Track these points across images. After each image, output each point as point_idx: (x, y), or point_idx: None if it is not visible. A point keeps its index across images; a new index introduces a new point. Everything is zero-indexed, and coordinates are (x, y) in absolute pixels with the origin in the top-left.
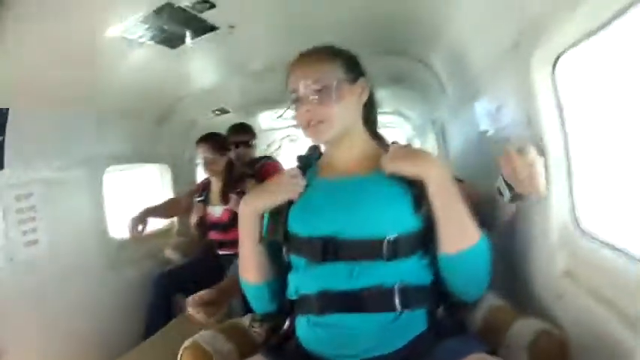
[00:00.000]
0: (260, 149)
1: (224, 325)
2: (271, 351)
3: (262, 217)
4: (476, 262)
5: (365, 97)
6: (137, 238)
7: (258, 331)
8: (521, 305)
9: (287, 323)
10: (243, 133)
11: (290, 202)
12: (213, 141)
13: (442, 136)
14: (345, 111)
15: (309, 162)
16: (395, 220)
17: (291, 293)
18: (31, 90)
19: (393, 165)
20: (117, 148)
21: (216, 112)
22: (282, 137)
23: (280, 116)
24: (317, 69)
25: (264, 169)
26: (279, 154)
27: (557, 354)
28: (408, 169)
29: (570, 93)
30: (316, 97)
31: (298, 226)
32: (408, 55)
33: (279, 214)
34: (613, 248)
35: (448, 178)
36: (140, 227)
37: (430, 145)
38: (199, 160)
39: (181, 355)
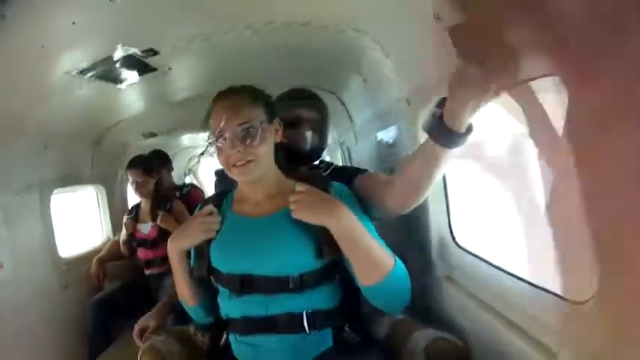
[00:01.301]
0: (182, 164)
1: (174, 331)
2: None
3: (189, 252)
4: (395, 285)
5: (279, 137)
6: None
7: (201, 339)
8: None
9: (224, 336)
10: (162, 158)
11: (210, 239)
12: (141, 165)
13: (348, 156)
14: (268, 150)
15: (225, 195)
16: (298, 262)
17: (222, 315)
18: None
19: (298, 214)
20: (60, 171)
21: (146, 135)
22: (199, 153)
23: (201, 154)
24: (243, 110)
25: (193, 194)
26: (198, 167)
27: (450, 355)
28: (311, 219)
29: None
30: (244, 137)
31: (218, 263)
32: (323, 88)
33: (201, 252)
34: (480, 258)
35: (350, 223)
36: (100, 278)
37: (338, 161)
38: (130, 183)
39: (141, 356)
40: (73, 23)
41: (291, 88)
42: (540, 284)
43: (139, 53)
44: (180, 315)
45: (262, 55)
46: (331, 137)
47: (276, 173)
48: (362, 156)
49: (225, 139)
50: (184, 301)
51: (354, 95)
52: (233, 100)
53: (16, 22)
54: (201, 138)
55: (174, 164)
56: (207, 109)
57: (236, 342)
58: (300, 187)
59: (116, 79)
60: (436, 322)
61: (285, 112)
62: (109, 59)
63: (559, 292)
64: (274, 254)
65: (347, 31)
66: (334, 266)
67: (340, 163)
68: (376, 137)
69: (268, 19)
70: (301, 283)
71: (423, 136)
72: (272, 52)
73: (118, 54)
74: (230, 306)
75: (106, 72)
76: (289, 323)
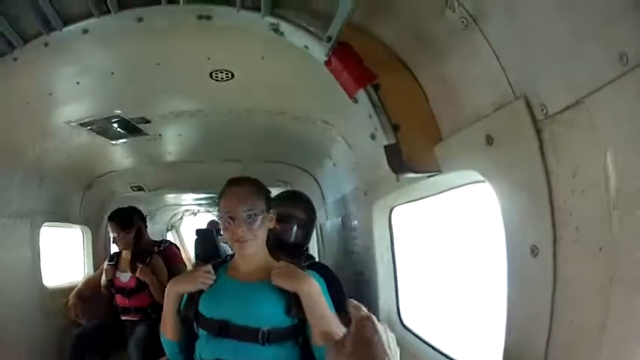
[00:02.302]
0: (165, 219)
1: None
2: None
3: (182, 296)
4: None
5: (272, 225)
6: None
7: None
8: None
9: None
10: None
11: (202, 290)
12: (120, 219)
13: (320, 232)
14: (264, 233)
15: (223, 263)
16: (268, 317)
17: (196, 357)
18: None
19: (278, 281)
20: (52, 207)
21: (134, 187)
22: (184, 211)
23: (182, 215)
24: (251, 199)
25: (170, 251)
26: (181, 223)
27: None
28: (285, 284)
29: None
30: (249, 220)
31: (204, 308)
32: (300, 167)
33: (193, 298)
34: (423, 341)
35: (315, 292)
36: (77, 311)
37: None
38: (112, 235)
39: None
40: (77, 83)
41: (288, 190)
42: None
43: (133, 119)
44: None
45: (246, 134)
46: None
47: (265, 252)
48: (331, 233)
49: (232, 218)
50: (165, 336)
51: (326, 177)
52: (243, 189)
53: (28, 67)
54: (184, 198)
55: (158, 219)
56: (220, 191)
57: None
58: (282, 263)
59: (111, 136)
60: None
61: (279, 209)
62: (107, 119)
63: None
64: (250, 308)
65: (317, 122)
66: (298, 330)
67: (315, 238)
68: (339, 219)
69: (248, 107)
70: (269, 337)
71: (377, 226)
72: (255, 133)
73: (115, 117)
74: (205, 348)
75: (103, 129)
76: None
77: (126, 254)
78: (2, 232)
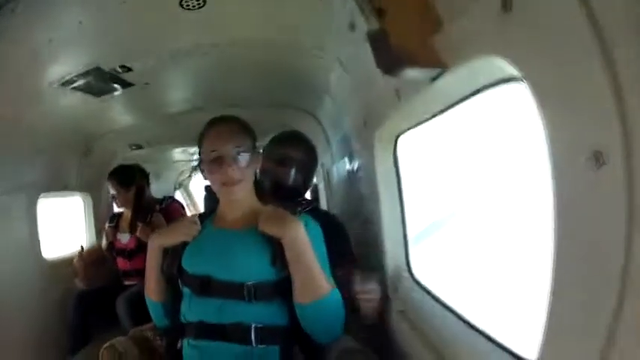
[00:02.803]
0: (173, 177)
1: (134, 334)
2: None
3: (166, 251)
4: (325, 311)
5: (259, 165)
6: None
7: (159, 342)
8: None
9: (179, 343)
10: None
11: (186, 243)
12: (120, 176)
13: (327, 178)
14: (252, 174)
15: (210, 211)
16: (253, 269)
17: (181, 318)
18: None
19: (262, 225)
20: (48, 177)
21: (133, 146)
22: (192, 167)
23: (194, 169)
24: (238, 136)
25: (172, 207)
26: (189, 181)
27: None
28: (270, 230)
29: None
30: (237, 158)
31: (187, 264)
32: (301, 108)
33: (176, 252)
34: (434, 297)
35: (298, 240)
36: (82, 275)
37: (319, 182)
38: (111, 193)
39: (101, 354)
40: (50, 41)
41: (284, 131)
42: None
43: (114, 69)
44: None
45: (239, 75)
46: None
47: (253, 197)
48: (338, 179)
49: (219, 158)
50: (149, 297)
51: (328, 116)
52: (228, 126)
53: (4, 35)
54: (193, 152)
55: (165, 177)
56: (200, 132)
57: (188, 346)
58: (270, 207)
59: (97, 92)
60: (389, 357)
61: (275, 150)
62: (86, 74)
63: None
64: (233, 261)
65: (309, 50)
66: (288, 284)
67: (322, 185)
68: (345, 160)
69: (229, 40)
70: (255, 293)
71: (380, 160)
72: (247, 72)
73: (95, 70)
74: (189, 308)
75: (86, 85)
76: (238, 334)
77: (126, 214)
78: (4, 207)
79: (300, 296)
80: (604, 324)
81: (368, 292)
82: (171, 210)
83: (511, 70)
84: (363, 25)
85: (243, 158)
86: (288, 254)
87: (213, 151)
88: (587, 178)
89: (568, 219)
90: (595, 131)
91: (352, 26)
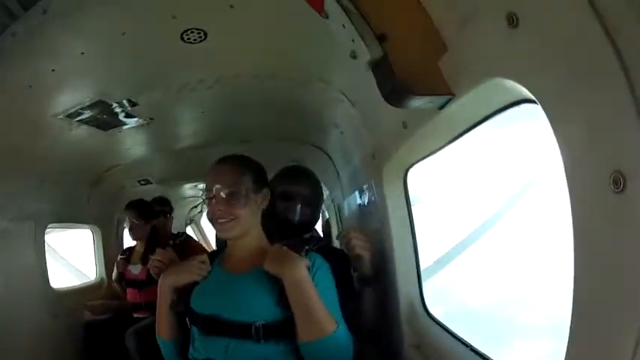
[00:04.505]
0: (183, 214)
1: None
2: None
3: (175, 289)
4: (329, 350)
5: (265, 205)
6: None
7: None
8: None
9: None
10: (163, 204)
11: (195, 282)
12: (139, 208)
13: (338, 211)
14: (249, 214)
15: (219, 252)
16: (261, 309)
17: (189, 356)
18: None
19: (266, 265)
20: (56, 208)
21: (142, 182)
22: (200, 203)
23: (195, 207)
24: (231, 178)
25: (188, 245)
26: (201, 217)
27: None
28: (271, 269)
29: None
30: (228, 200)
31: (195, 303)
32: (310, 142)
33: (185, 291)
34: (449, 332)
35: (299, 279)
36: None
37: (332, 215)
38: (126, 224)
39: None
40: (53, 71)
41: (289, 166)
42: None
43: (119, 103)
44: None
45: (245, 109)
46: (325, 194)
47: (259, 237)
48: (349, 214)
49: (213, 197)
50: (160, 337)
51: (337, 150)
52: (224, 168)
53: (3, 60)
54: (201, 188)
55: (175, 213)
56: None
57: None
58: (275, 246)
59: (102, 126)
60: None
61: (280, 186)
62: (91, 107)
63: None
64: (240, 301)
65: (314, 81)
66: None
67: (334, 221)
68: (355, 194)
69: (233, 73)
70: (263, 333)
71: (390, 195)
72: (254, 105)
73: (100, 103)
74: (196, 348)
75: (91, 118)
76: None
77: (139, 247)
78: (5, 236)
79: (302, 335)
80: (629, 350)
81: (359, 236)
82: (187, 248)
83: (522, 92)
84: (365, 54)
85: (236, 200)
86: (288, 293)
87: (208, 190)
88: (607, 200)
89: (587, 241)
90: (614, 152)
91: (354, 55)
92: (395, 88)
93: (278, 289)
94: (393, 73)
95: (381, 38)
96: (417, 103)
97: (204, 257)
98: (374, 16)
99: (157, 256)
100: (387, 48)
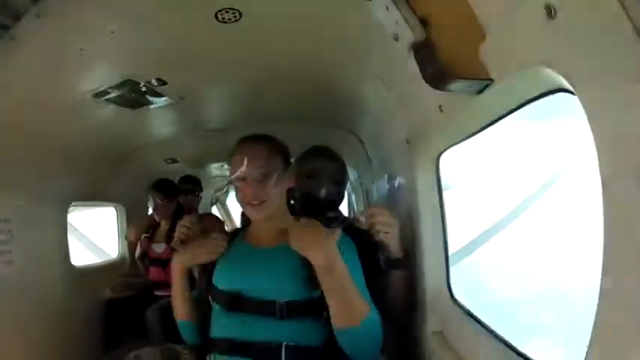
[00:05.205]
0: (209, 194)
1: (163, 348)
2: None
3: (189, 269)
4: (364, 334)
5: (289, 184)
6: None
7: (187, 358)
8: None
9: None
10: (192, 183)
11: (213, 262)
12: (163, 188)
13: (367, 197)
14: (279, 194)
15: (240, 230)
16: (285, 288)
17: (211, 335)
18: (10, 129)
19: (293, 243)
20: (80, 186)
21: (169, 161)
22: (226, 184)
23: (221, 189)
24: (263, 158)
25: (205, 221)
26: (227, 197)
27: None
28: (298, 249)
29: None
30: (260, 180)
31: (217, 280)
32: (343, 127)
33: (205, 269)
34: (475, 318)
35: (331, 261)
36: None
37: (360, 200)
38: (150, 204)
39: None
40: (81, 49)
41: (314, 145)
42: None
43: (148, 82)
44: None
45: (277, 90)
46: (353, 177)
47: (285, 215)
48: (377, 198)
49: (244, 179)
50: (176, 316)
51: (368, 134)
52: (255, 147)
53: (27, 42)
54: (228, 168)
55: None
56: (232, 149)
57: None
58: (303, 220)
59: (130, 105)
60: None
61: (306, 165)
62: (119, 86)
63: None
64: (265, 278)
65: (348, 64)
66: (322, 302)
67: (362, 206)
68: (386, 179)
69: (266, 54)
70: (287, 311)
71: (421, 179)
72: (285, 87)
73: (129, 82)
74: (217, 325)
75: (120, 97)
76: (267, 352)
77: (163, 225)
78: (29, 212)
79: (337, 320)
80: None
81: (384, 220)
82: (205, 224)
83: (560, 80)
84: (407, 37)
85: (268, 179)
86: (319, 276)
87: (237, 172)
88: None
89: (618, 236)
90: None
91: (396, 37)
92: (437, 70)
93: (304, 265)
94: (436, 55)
95: (423, 22)
96: (458, 86)
97: (220, 235)
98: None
99: (185, 222)
100: (429, 32)
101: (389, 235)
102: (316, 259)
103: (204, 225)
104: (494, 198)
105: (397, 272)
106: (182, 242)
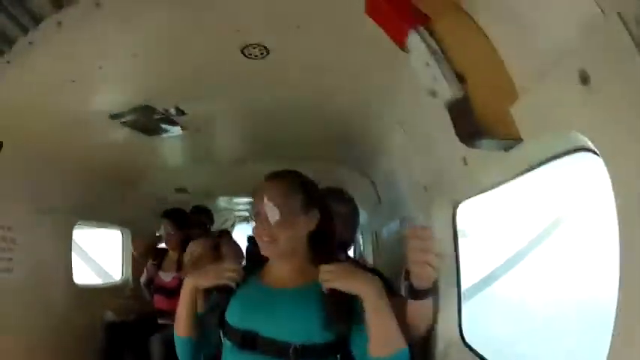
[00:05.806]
0: (216, 225)
1: None
2: None
3: (200, 291)
4: None
5: (313, 226)
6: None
7: None
8: None
9: None
10: (204, 214)
11: (230, 295)
12: (176, 218)
13: (375, 238)
14: (294, 236)
15: (257, 264)
16: (302, 329)
17: None
18: (19, 137)
19: (335, 283)
20: (86, 206)
21: (177, 189)
22: (235, 217)
23: (227, 220)
24: (279, 197)
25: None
26: (232, 230)
27: None
28: (348, 286)
29: None
30: (277, 219)
31: (231, 316)
32: (354, 167)
33: (219, 303)
34: None
35: (381, 294)
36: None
37: (368, 241)
38: (161, 232)
39: None
40: (100, 68)
41: (328, 187)
42: None
43: (166, 110)
44: None
45: (294, 128)
46: (362, 219)
47: (303, 256)
48: (387, 241)
49: (258, 214)
50: (177, 332)
51: (382, 177)
52: (274, 185)
53: (45, 49)
54: (236, 202)
55: None
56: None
57: None
58: (338, 264)
59: (145, 131)
60: None
61: None
62: (136, 110)
63: None
64: (281, 319)
65: (371, 109)
66: (337, 345)
67: (370, 248)
68: (396, 222)
69: (289, 92)
70: (302, 353)
71: (438, 227)
72: (302, 125)
73: (146, 107)
74: None
75: (135, 122)
76: None
77: (172, 254)
78: (34, 225)
79: (378, 350)
80: None
81: (424, 250)
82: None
83: (587, 143)
84: (444, 93)
85: (284, 219)
86: (369, 310)
87: (254, 207)
88: None
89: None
90: None
91: (433, 93)
92: (471, 127)
93: (323, 311)
94: (473, 113)
95: (460, 79)
96: (490, 145)
97: (237, 265)
98: (455, 57)
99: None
100: (466, 89)
101: (426, 271)
102: (366, 290)
103: (221, 249)
104: (500, 244)
105: (417, 302)
106: (194, 264)
